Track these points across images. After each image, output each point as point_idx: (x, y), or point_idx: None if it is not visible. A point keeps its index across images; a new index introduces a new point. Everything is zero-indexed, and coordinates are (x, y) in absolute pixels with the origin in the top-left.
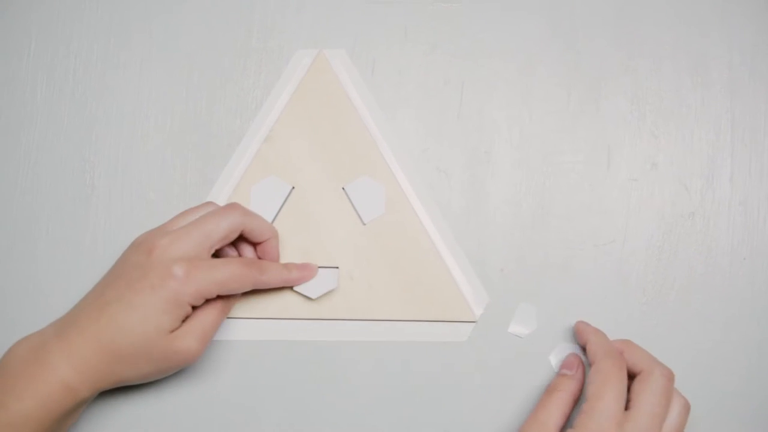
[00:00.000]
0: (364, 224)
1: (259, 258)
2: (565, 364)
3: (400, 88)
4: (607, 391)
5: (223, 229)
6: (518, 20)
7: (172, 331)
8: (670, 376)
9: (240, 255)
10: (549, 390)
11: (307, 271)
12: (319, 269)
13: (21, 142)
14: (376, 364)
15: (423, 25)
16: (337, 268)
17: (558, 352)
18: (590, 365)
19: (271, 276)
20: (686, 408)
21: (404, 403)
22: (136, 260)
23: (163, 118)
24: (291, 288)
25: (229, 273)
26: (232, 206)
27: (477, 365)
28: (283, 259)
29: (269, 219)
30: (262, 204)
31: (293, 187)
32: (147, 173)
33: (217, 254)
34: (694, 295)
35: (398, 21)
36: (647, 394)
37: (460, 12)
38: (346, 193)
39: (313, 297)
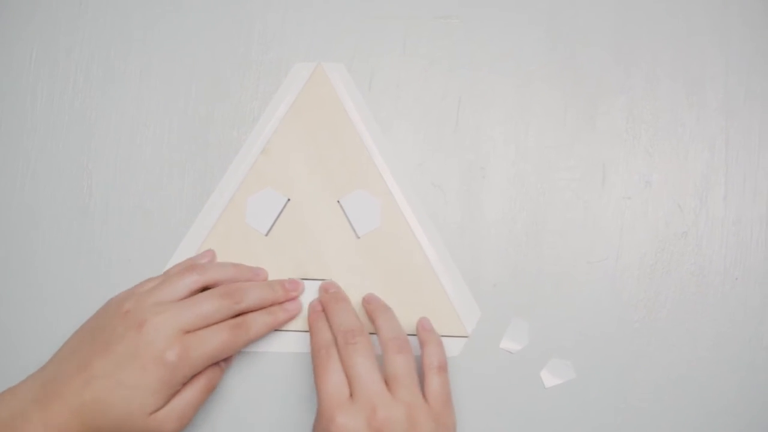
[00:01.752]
0: (359, 237)
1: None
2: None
3: (397, 102)
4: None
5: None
6: (516, 37)
7: (156, 411)
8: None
9: None
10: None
11: (292, 306)
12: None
13: (20, 150)
14: None
15: (421, 40)
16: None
17: (550, 368)
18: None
19: (259, 330)
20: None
21: None
22: (124, 332)
23: (161, 128)
24: None
25: (219, 343)
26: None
27: (469, 380)
28: (277, 271)
29: (264, 231)
30: (258, 215)
31: (289, 199)
32: (144, 183)
33: None
34: (685, 313)
35: (397, 35)
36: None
37: (458, 27)
38: (341, 206)
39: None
